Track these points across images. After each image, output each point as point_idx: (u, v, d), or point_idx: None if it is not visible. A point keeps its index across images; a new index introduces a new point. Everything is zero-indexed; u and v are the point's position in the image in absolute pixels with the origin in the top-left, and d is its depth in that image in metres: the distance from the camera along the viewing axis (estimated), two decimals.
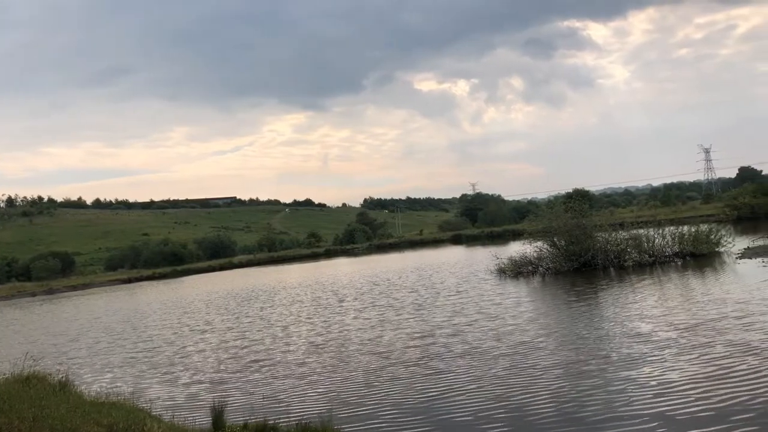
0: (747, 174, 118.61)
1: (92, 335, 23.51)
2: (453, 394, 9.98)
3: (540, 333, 14.14)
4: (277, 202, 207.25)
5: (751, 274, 19.61)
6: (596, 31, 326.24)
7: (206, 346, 17.63)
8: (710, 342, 11.32)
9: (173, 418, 9.65)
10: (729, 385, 8.79)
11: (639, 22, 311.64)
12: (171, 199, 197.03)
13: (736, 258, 24.24)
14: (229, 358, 15.42)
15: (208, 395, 11.42)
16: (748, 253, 25.05)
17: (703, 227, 27.74)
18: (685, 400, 8.44)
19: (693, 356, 10.53)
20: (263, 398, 11.18)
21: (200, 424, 9.37)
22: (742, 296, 15.67)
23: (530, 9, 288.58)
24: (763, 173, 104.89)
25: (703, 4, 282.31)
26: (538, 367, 10.99)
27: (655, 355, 10.84)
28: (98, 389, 12.34)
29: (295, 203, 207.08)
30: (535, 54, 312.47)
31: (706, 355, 10.51)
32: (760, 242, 28.54)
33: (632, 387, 9.24)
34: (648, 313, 14.94)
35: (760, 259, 22.70)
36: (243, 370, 13.83)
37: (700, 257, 25.60)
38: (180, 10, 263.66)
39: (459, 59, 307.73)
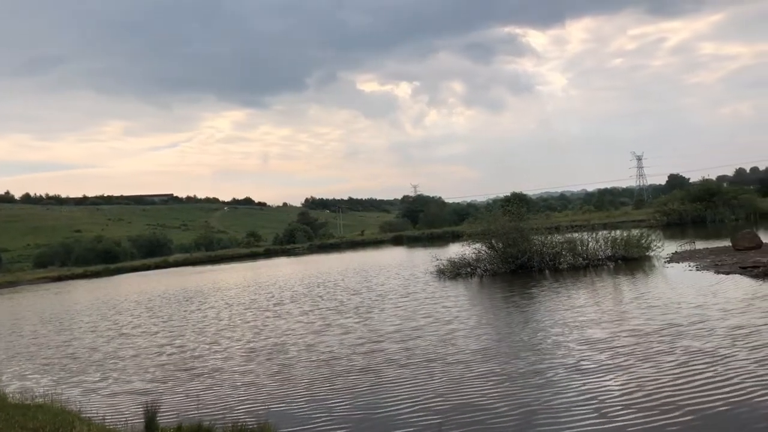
0: (676, 181, 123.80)
1: (12, 337, 22.43)
2: (393, 399, 9.85)
3: (477, 336, 14.20)
4: (215, 200, 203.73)
5: (679, 277, 20.39)
6: (535, 38, 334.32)
7: (138, 349, 16.98)
8: (643, 342, 11.62)
9: (104, 420, 9.29)
10: (661, 383, 9.03)
11: (576, 31, 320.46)
12: (105, 195, 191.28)
13: (665, 262, 25.18)
14: (162, 362, 14.89)
15: (140, 398, 10.97)
16: (676, 257, 26.05)
17: (635, 232, 28.71)
18: (620, 398, 8.62)
19: (626, 357, 10.77)
20: (198, 401, 10.83)
21: (132, 426, 9.03)
22: (671, 298, 16.19)
23: (471, 14, 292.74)
24: (690, 180, 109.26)
25: (636, 16, 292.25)
26: (477, 371, 11.01)
27: (590, 358, 11.04)
28: (21, 393, 11.77)
29: (235, 202, 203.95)
30: (475, 59, 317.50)
31: (639, 354, 10.77)
32: (686, 247, 29.71)
33: (570, 387, 9.39)
34: (584, 317, 15.22)
35: (686, 263, 23.62)
36: (178, 374, 13.37)
37: (631, 261, 26.44)
38: (116, 0, 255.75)
39: (401, 61, 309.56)
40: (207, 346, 16.28)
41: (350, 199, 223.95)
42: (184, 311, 24.85)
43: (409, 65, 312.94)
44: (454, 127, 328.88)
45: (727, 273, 19.91)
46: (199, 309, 25.15)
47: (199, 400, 10.96)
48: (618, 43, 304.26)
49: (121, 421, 9.57)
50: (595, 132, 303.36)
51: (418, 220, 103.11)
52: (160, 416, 8.92)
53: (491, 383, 10.06)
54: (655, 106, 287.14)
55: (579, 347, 11.77)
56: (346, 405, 9.80)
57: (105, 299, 34.91)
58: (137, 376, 13.59)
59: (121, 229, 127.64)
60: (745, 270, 19.70)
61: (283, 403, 10.35)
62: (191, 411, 10.11)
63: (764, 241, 26.15)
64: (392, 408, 9.37)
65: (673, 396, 8.55)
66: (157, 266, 74.02)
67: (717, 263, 22.31)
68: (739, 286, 17.33)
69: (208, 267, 64.25)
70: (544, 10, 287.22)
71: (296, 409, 9.92)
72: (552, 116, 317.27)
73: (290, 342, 15.56)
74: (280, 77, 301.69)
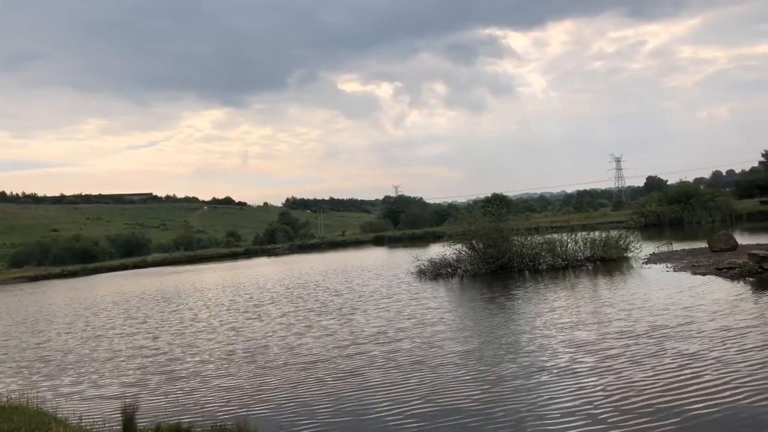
0: (654, 183, 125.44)
1: None
2: (377, 403, 9.76)
3: (462, 338, 14.21)
4: (195, 200, 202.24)
5: (656, 278, 20.63)
6: (516, 40, 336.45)
7: (115, 351, 16.73)
8: (621, 343, 11.72)
9: (81, 421, 9.17)
10: (648, 386, 9.11)
11: (557, 34, 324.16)
12: (83, 194, 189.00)
13: (643, 263, 25.44)
14: (140, 364, 14.68)
15: (118, 400, 10.81)
16: (654, 259, 26.35)
17: (613, 233, 28.98)
18: (597, 398, 8.68)
19: (611, 360, 10.85)
20: (177, 403, 10.73)
21: (110, 427, 8.93)
22: (650, 299, 16.37)
23: (452, 15, 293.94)
24: (668, 182, 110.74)
25: (616, 19, 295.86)
26: (462, 374, 10.95)
27: (576, 360, 11.11)
28: None
29: (214, 201, 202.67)
30: (457, 60, 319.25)
31: (626, 357, 10.86)
32: (664, 248, 30.04)
33: (547, 387, 9.44)
34: (566, 318, 15.32)
35: (664, 264, 23.90)
36: (156, 376, 13.18)
37: (609, 262, 26.68)
38: None
39: (383, 61, 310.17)
40: (185, 348, 16.06)
41: (331, 199, 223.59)
42: (162, 313, 24.57)
43: (391, 66, 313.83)
44: (435, 128, 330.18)
45: (704, 274, 20.17)
46: (177, 310, 24.89)
47: (178, 401, 10.86)
48: (598, 46, 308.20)
49: (99, 422, 9.44)
50: (574, 134, 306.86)
51: (399, 221, 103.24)
52: (139, 417, 8.81)
53: (478, 387, 9.92)
54: (634, 108, 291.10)
55: (565, 349, 11.75)
56: (328, 408, 9.69)
57: (82, 300, 34.44)
58: (114, 378, 13.40)
59: (99, 229, 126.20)
60: (721, 271, 19.97)
61: (262, 404, 10.26)
62: (170, 412, 10.01)
63: (740, 243, 26.54)
64: (375, 411, 9.27)
65: (664, 399, 8.52)
66: (136, 266, 73.29)
67: (694, 264, 22.59)
68: (716, 287, 17.56)
69: (188, 267, 63.73)
70: (524, 12, 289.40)
71: (276, 411, 9.83)
72: (532, 118, 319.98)
73: (270, 344, 15.38)
74: (260, 76, 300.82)
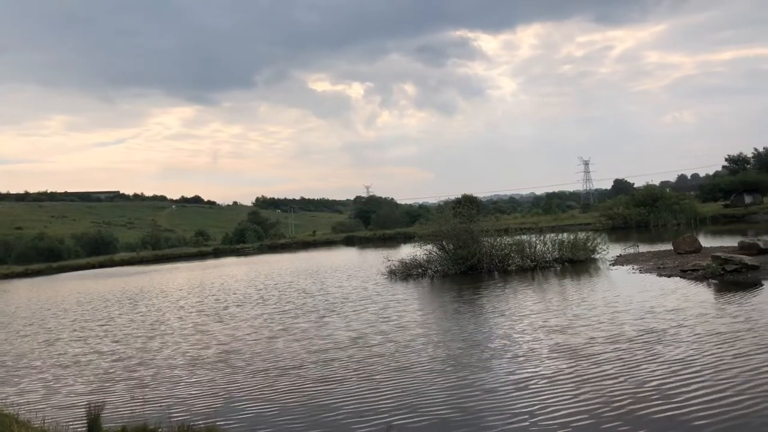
0: (621, 186, 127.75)
1: None
2: (346, 402, 9.71)
3: (434, 339, 14.20)
4: (163, 198, 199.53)
5: (623, 280, 20.98)
6: (487, 42, 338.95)
7: (78, 353, 16.36)
8: (587, 343, 11.89)
9: (44, 423, 8.97)
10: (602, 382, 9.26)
11: (527, 37, 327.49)
12: (48, 191, 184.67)
13: (610, 264, 25.85)
14: (105, 366, 14.39)
15: (82, 402, 10.54)
16: (620, 260, 26.78)
17: (581, 235, 29.41)
18: (555, 395, 8.78)
19: (569, 355, 10.99)
20: (144, 403, 10.55)
21: (74, 429, 8.77)
22: (614, 299, 16.64)
23: (423, 16, 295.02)
24: (635, 185, 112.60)
25: (584, 24, 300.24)
26: (432, 380, 10.95)
27: (536, 357, 11.22)
28: None
29: (183, 200, 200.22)
30: (427, 61, 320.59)
31: (584, 352, 11.02)
32: (630, 250, 30.57)
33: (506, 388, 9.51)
34: (537, 321, 15.44)
35: (630, 266, 24.31)
36: (122, 377, 12.94)
37: (577, 263, 27.05)
38: None
39: (353, 61, 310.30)
40: (152, 351, 15.77)
41: (302, 199, 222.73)
42: (128, 314, 24.17)
43: (361, 66, 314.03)
44: (406, 129, 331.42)
45: (669, 276, 20.56)
46: (144, 312, 24.51)
47: (144, 403, 10.66)
48: (566, 50, 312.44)
49: (63, 423, 9.24)
50: (544, 136, 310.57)
51: (370, 221, 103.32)
52: (104, 419, 8.66)
53: (454, 393, 9.65)
54: (602, 112, 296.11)
55: (547, 353, 11.76)
56: (298, 412, 9.53)
57: (46, 300, 33.73)
58: (79, 379, 13.11)
59: (64, 227, 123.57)
60: (685, 273, 20.38)
61: (232, 406, 10.10)
62: (136, 413, 9.84)
63: (703, 246, 27.12)
64: (346, 415, 9.13)
65: (646, 405, 8.44)
66: (102, 265, 72.16)
67: (659, 266, 23.01)
68: (680, 288, 17.90)
69: (155, 266, 62.86)
70: (495, 15, 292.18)
71: (247, 414, 9.68)
72: (502, 120, 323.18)
73: (240, 347, 15.06)
74: (229, 74, 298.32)
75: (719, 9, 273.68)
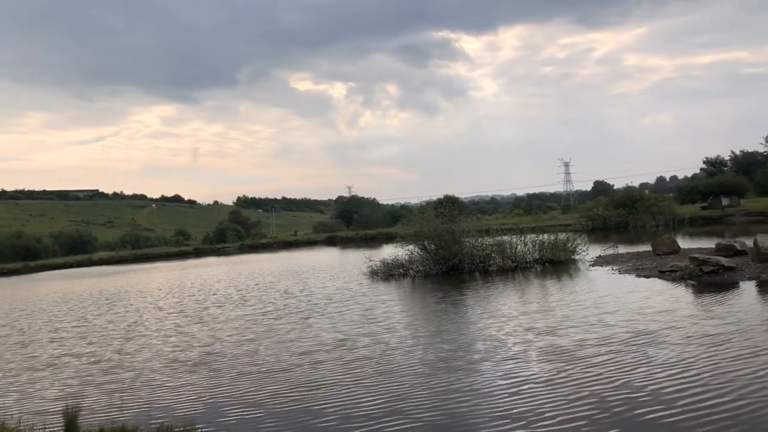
0: (601, 187, 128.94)
1: None
2: (334, 406, 9.52)
3: (419, 342, 14.15)
4: (143, 197, 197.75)
5: (602, 280, 21.17)
6: (469, 43, 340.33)
7: (57, 353, 16.12)
8: (563, 344, 11.95)
9: (19, 424, 8.82)
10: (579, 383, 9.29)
11: (509, 38, 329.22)
12: (26, 189, 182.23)
13: (590, 265, 26.06)
14: (84, 367, 14.16)
15: (59, 403, 10.33)
16: (600, 261, 27.00)
17: (561, 236, 29.61)
18: (540, 399, 8.77)
19: (550, 357, 11.04)
20: (122, 405, 10.38)
21: (51, 430, 8.62)
22: (594, 300, 16.76)
23: (405, 16, 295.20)
24: (615, 187, 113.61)
25: (565, 26, 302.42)
26: (419, 382, 10.86)
27: (517, 358, 11.24)
28: None
29: (163, 199, 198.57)
30: (410, 62, 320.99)
31: (561, 353, 11.08)
32: (610, 251, 30.81)
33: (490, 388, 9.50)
34: (525, 322, 15.47)
35: (609, 267, 24.52)
36: (100, 379, 12.72)
37: (557, 264, 27.23)
38: None
39: (336, 61, 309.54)
40: (131, 352, 15.50)
41: (284, 199, 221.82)
42: (107, 314, 23.83)
43: (344, 65, 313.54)
44: (388, 129, 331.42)
45: (647, 277, 20.76)
46: (122, 312, 24.17)
47: (123, 405, 10.49)
48: (548, 52, 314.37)
49: (40, 425, 9.08)
50: (525, 138, 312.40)
51: (352, 221, 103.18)
52: (82, 420, 8.54)
53: (438, 396, 9.47)
54: (582, 114, 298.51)
55: (537, 356, 11.65)
56: (283, 416, 9.30)
57: (21, 299, 33.20)
58: (55, 382, 12.87)
59: (42, 225, 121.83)
60: (664, 274, 20.59)
61: (212, 408, 9.95)
62: (114, 415, 9.71)
63: (681, 247, 27.43)
64: (328, 418, 8.96)
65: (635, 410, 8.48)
66: (80, 264, 71.24)
67: (638, 267, 23.22)
68: (657, 289, 18.10)
69: (135, 266, 62.17)
70: (477, 16, 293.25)
71: (227, 415, 9.53)
72: (484, 121, 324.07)
73: (222, 349, 14.78)
74: (210, 72, 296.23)
75: (699, 12, 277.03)
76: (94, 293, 32.79)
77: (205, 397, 10.72)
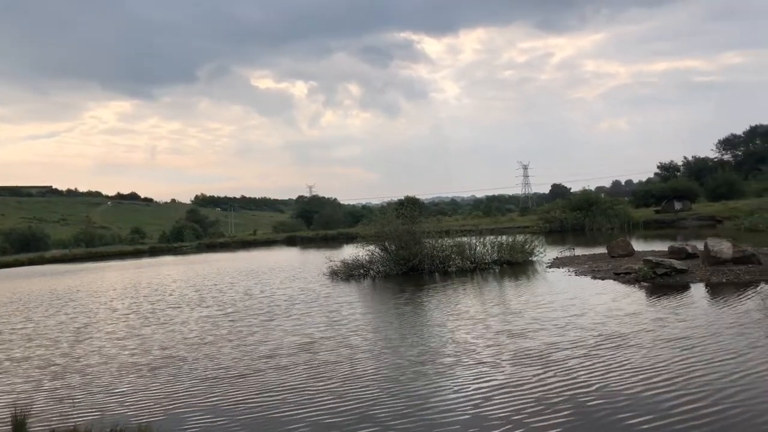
0: (559, 190, 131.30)
1: None
2: (302, 413, 9.20)
3: (384, 344, 14.08)
4: (98, 194, 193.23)
5: (558, 281, 21.49)
6: (430, 45, 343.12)
7: (3, 356, 15.57)
8: (518, 345, 12.08)
9: None
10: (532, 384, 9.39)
11: (470, 41, 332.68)
12: None
13: (547, 266, 26.46)
14: (30, 372, 13.61)
15: (6, 410, 9.88)
16: (557, 263, 27.44)
17: (520, 237, 29.96)
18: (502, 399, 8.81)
19: (510, 356, 11.13)
20: (74, 408, 10.06)
21: None
22: (561, 303, 16.96)
23: (368, 17, 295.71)
24: (572, 190, 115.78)
25: (526, 30, 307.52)
26: (385, 386, 10.80)
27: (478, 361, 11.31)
28: None
29: (119, 196, 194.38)
30: (372, 62, 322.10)
31: (519, 353, 11.19)
32: (567, 253, 31.37)
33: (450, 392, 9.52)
34: (494, 324, 15.56)
35: (566, 269, 24.92)
36: (48, 386, 12.18)
37: (515, 265, 27.57)
38: None
39: (297, 60, 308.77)
40: (83, 356, 14.98)
41: (243, 198, 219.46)
42: (56, 315, 23.09)
43: (306, 64, 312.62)
44: (350, 129, 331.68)
45: (603, 278, 21.17)
46: (73, 314, 23.49)
47: (74, 407, 10.14)
48: (508, 56, 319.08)
49: None
50: (485, 140, 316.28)
51: (312, 221, 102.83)
52: (31, 423, 8.27)
53: (422, 404, 9.14)
54: (541, 118, 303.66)
55: (510, 359, 11.77)
56: (248, 423, 8.92)
57: None
58: (2, 384, 12.40)
59: None
60: (619, 276, 21.03)
61: (172, 416, 9.56)
62: (66, 417, 9.44)
63: (636, 249, 28.06)
64: (303, 429, 8.53)
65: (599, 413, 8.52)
66: (32, 263, 69.29)
67: (594, 269, 23.65)
68: (611, 290, 18.47)
69: (88, 264, 60.70)
70: (438, 18, 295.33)
71: (190, 424, 9.11)
72: (445, 123, 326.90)
73: (179, 353, 14.30)
74: (168, 68, 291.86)
75: (655, 20, 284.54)
76: (45, 293, 31.80)
77: (163, 402, 10.26)
